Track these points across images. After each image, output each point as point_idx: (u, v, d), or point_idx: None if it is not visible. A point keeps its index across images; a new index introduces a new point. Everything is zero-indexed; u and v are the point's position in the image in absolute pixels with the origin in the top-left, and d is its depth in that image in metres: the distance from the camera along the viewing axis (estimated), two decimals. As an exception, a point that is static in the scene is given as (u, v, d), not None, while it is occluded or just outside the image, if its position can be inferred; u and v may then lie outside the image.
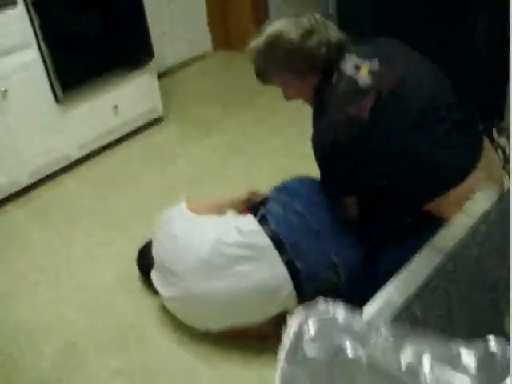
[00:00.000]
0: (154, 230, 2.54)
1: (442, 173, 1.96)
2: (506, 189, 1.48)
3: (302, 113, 2.40)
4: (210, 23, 5.15)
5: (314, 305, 0.80)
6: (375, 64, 1.97)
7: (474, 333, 0.96)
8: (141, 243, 2.72)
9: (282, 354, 0.75)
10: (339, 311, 0.80)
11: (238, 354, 2.33)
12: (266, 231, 2.22)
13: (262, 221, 2.27)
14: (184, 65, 5.03)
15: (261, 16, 4.98)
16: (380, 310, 1.01)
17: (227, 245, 2.22)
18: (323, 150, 2.05)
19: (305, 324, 0.77)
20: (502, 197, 1.30)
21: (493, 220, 1.24)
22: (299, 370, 0.74)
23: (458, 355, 0.77)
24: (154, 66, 4.03)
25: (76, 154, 3.79)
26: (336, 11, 3.65)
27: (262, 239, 2.21)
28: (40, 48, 3.39)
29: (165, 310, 2.52)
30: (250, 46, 2.12)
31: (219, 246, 2.22)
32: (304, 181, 2.44)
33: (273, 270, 2.18)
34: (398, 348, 0.77)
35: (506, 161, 2.51)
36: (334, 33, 2.06)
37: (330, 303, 0.80)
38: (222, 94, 4.57)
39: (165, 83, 4.48)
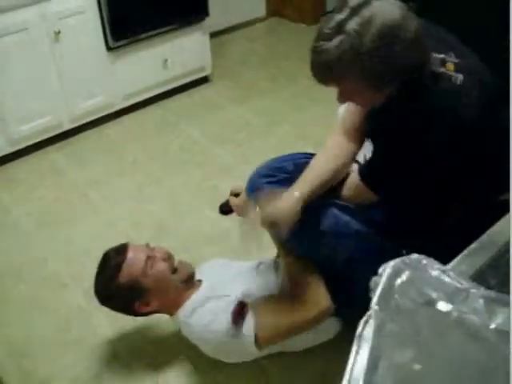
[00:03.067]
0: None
1: None
2: None
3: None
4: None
5: (408, 256, 0.77)
6: (454, 58, 1.63)
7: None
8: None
9: (375, 297, 0.72)
10: (431, 265, 0.77)
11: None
12: None
13: None
14: (236, 27, 4.98)
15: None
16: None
17: None
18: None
19: (398, 270, 0.74)
20: None
21: None
22: (390, 314, 0.71)
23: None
24: (208, 24, 3.97)
25: (120, 104, 3.77)
26: None
27: None
28: (95, -10, 3.36)
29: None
30: (332, 43, 1.49)
31: None
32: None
33: None
34: (489, 311, 0.74)
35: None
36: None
37: (423, 257, 0.77)
38: (272, 60, 4.52)
39: (215, 43, 4.43)
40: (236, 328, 1.86)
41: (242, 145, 3.45)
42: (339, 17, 1.48)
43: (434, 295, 0.74)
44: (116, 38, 3.52)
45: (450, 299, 0.74)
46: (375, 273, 0.75)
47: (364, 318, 0.73)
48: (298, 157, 2.00)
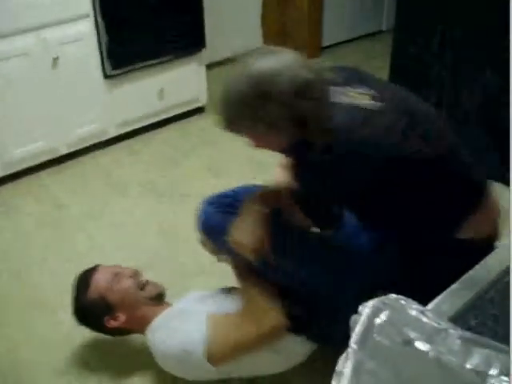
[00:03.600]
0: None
1: (475, 177, 1.82)
2: None
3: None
4: (263, 20, 5.16)
5: (386, 296, 0.79)
6: (368, 90, 1.74)
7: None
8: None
9: (353, 336, 0.75)
10: (410, 305, 0.79)
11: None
12: None
13: None
14: (233, 59, 5.03)
15: (316, 20, 5.01)
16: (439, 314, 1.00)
17: None
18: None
19: (377, 310, 0.77)
20: None
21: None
22: (369, 353, 0.73)
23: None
24: (205, 55, 4.03)
25: (114, 131, 3.80)
26: (395, 27, 3.58)
27: None
28: (96, 21, 3.41)
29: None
30: (226, 88, 1.71)
31: None
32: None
33: None
34: (465, 351, 0.76)
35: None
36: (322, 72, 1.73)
37: (402, 297, 0.80)
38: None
39: (211, 74, 4.47)
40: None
41: (236, 176, 3.47)
42: (233, 75, 1.70)
43: (412, 335, 0.76)
44: (114, 66, 3.57)
45: (427, 339, 0.76)
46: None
47: (343, 356, 0.75)
48: (241, 187, 2.15)
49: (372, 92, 1.72)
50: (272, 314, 1.96)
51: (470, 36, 3.10)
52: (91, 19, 3.39)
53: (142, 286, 2.13)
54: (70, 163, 3.65)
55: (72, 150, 3.64)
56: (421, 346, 0.76)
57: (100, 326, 2.12)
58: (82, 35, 3.39)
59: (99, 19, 3.40)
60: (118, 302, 2.07)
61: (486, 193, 1.84)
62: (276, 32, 5.23)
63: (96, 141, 3.74)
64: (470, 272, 1.20)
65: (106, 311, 2.08)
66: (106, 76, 3.58)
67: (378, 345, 0.75)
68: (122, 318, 2.08)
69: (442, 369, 0.74)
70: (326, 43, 5.26)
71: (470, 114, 3.21)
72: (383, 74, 3.67)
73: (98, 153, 3.76)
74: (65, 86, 3.41)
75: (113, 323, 2.09)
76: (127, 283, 2.11)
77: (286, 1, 5.05)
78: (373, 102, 1.69)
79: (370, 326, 0.77)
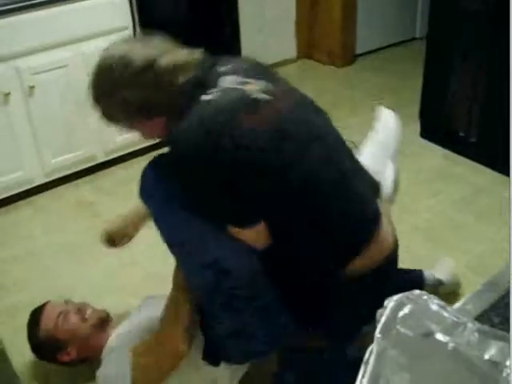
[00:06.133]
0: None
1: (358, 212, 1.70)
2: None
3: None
4: (297, 31, 5.23)
5: (410, 292, 0.85)
6: (265, 84, 1.67)
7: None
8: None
9: (378, 326, 0.81)
10: (432, 300, 0.85)
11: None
12: None
13: None
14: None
15: (349, 29, 5.06)
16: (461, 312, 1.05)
17: None
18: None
19: (401, 304, 0.83)
20: None
21: None
22: (391, 342, 0.80)
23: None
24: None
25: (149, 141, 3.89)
26: (428, 34, 3.62)
27: None
28: (135, 34, 3.51)
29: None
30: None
31: None
32: None
33: None
34: (483, 343, 0.82)
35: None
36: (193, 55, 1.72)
37: (425, 293, 0.86)
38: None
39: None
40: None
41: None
42: None
43: (432, 327, 0.82)
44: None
45: (447, 332, 0.82)
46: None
47: (369, 348, 0.81)
48: None
49: (272, 89, 1.66)
50: (172, 343, 1.86)
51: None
52: (130, 32, 3.50)
53: (87, 318, 2.20)
54: (106, 171, 3.77)
55: (109, 158, 3.75)
56: (440, 337, 0.81)
57: (55, 360, 2.21)
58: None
59: (138, 31, 3.50)
60: (67, 339, 2.15)
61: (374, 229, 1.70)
62: (310, 40, 5.29)
63: (132, 149, 3.83)
64: (494, 275, 1.24)
65: (58, 348, 2.16)
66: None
67: (401, 335, 0.81)
68: (73, 352, 2.16)
69: (459, 359, 0.79)
70: (359, 51, 5.30)
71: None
72: (416, 81, 3.72)
73: (135, 161, 3.85)
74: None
75: (66, 358, 2.17)
76: (72, 320, 2.18)
77: (320, 9, 5.11)
78: (261, 94, 1.62)
79: (393, 317, 0.83)
